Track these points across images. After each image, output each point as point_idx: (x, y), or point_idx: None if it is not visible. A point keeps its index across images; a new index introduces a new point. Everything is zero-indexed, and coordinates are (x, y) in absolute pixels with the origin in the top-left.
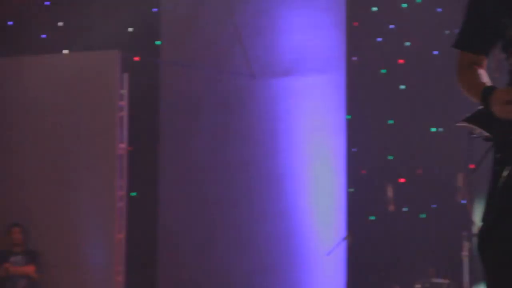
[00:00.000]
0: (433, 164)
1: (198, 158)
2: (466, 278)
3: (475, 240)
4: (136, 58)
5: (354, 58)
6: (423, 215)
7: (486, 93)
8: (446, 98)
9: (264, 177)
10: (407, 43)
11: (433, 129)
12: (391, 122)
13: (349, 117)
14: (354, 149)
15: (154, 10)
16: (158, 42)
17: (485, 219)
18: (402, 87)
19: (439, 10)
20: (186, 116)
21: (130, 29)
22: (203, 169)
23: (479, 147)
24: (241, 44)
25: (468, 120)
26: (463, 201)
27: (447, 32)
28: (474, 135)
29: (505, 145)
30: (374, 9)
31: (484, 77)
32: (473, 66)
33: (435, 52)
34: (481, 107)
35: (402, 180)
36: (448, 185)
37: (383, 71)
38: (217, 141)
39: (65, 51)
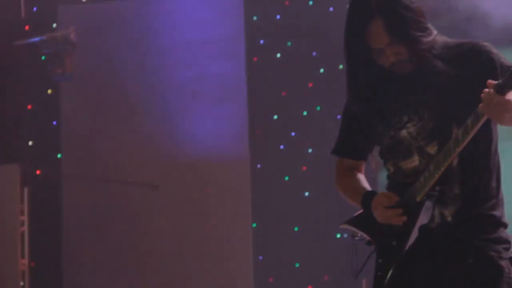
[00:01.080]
0: (340, 270)
1: (104, 273)
2: None
3: None
4: (37, 172)
5: (258, 166)
6: None
7: (367, 197)
8: (349, 205)
9: None
10: (310, 150)
11: (338, 235)
12: (296, 228)
13: (254, 225)
14: (260, 257)
15: (54, 122)
16: (59, 155)
17: None
18: (306, 193)
19: (338, 117)
20: (90, 230)
21: (30, 143)
22: (110, 283)
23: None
24: (144, 154)
25: (349, 222)
26: None
27: None
28: (357, 238)
29: (385, 251)
30: (275, 117)
31: (364, 181)
32: (352, 171)
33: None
34: (362, 211)
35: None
36: None
37: (287, 178)
38: (123, 256)
39: None
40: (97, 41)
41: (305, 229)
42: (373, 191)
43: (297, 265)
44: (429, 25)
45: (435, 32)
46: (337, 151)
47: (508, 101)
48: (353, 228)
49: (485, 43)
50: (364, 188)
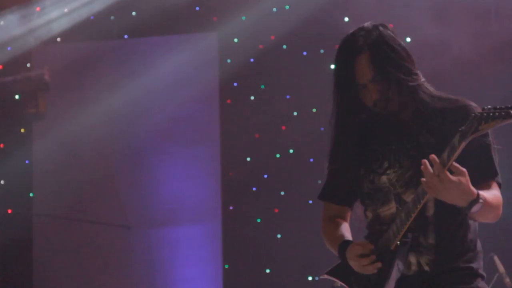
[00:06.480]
0: None
1: None
2: None
3: None
4: (9, 211)
5: (231, 208)
6: None
7: (343, 247)
8: (321, 247)
9: None
10: (282, 193)
11: (310, 278)
12: (268, 270)
13: (227, 266)
14: None
15: (27, 161)
16: (31, 194)
17: None
18: (279, 235)
19: (311, 160)
20: (61, 270)
21: (1, 182)
22: None
23: None
24: (116, 195)
25: (329, 273)
26: None
27: (319, 181)
28: (337, 287)
29: None
30: (249, 159)
31: (345, 230)
32: (336, 218)
33: (310, 201)
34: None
35: None
36: None
37: (259, 220)
38: None
39: None
40: (71, 81)
41: (276, 271)
42: (349, 241)
43: None
44: (417, 72)
45: (422, 79)
46: (321, 196)
47: (451, 181)
48: (332, 278)
49: (473, 103)
50: (342, 237)
